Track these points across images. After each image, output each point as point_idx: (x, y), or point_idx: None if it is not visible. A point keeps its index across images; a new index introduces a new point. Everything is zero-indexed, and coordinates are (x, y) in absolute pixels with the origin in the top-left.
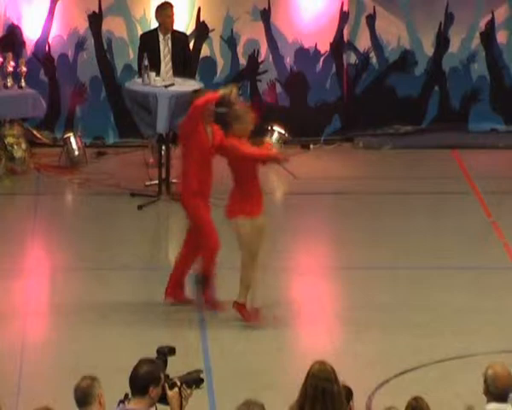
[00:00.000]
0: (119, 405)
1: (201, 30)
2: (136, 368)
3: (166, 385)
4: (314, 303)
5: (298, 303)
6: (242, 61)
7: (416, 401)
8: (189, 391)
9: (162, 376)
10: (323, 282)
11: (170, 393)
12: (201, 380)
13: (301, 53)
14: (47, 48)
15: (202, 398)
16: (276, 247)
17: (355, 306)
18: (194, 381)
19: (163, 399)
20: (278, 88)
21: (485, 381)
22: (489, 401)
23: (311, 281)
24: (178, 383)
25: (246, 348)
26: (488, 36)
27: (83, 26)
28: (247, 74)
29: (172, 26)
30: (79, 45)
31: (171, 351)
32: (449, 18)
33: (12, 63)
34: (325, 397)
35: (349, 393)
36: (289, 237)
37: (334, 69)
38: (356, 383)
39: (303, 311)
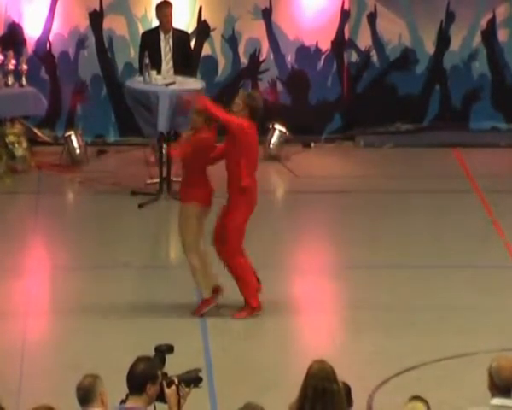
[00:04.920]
0: (120, 404)
1: (203, 29)
2: (133, 366)
3: (164, 383)
4: (315, 302)
5: (299, 302)
6: (244, 59)
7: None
8: (187, 390)
9: (159, 374)
10: (324, 281)
11: (167, 391)
12: (200, 379)
13: (302, 51)
14: (48, 46)
15: (203, 397)
16: (277, 245)
17: (356, 304)
18: (192, 380)
19: (161, 397)
20: (279, 86)
21: (490, 374)
22: (493, 395)
23: (312, 280)
24: (176, 381)
25: (247, 347)
26: (489, 34)
27: (84, 24)
28: (248, 73)
29: (170, 25)
30: (80, 43)
31: (170, 349)
32: (450, 16)
33: (13, 61)
34: (325, 397)
35: (347, 389)
36: (290, 236)
37: (335, 67)
38: (357, 382)
39: (304, 310)
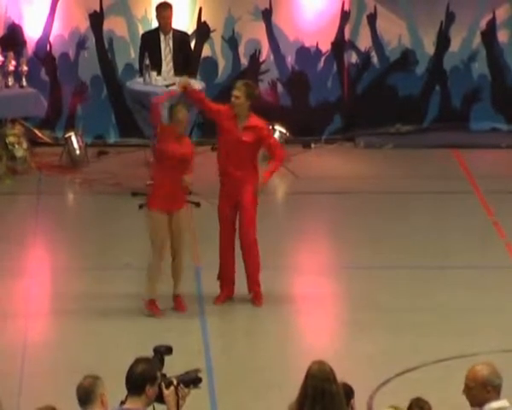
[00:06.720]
0: (120, 405)
1: (203, 30)
2: (132, 367)
3: (163, 384)
4: (315, 302)
5: (299, 302)
6: (244, 61)
7: (419, 402)
8: (186, 390)
9: (158, 375)
10: (325, 281)
11: (166, 392)
12: (199, 379)
13: (302, 52)
14: (48, 47)
15: (203, 398)
16: (277, 246)
17: (356, 305)
18: (191, 380)
19: (160, 398)
20: (279, 88)
21: (481, 383)
22: (487, 401)
23: (313, 280)
24: (175, 382)
25: (247, 347)
26: (489, 35)
27: (84, 25)
28: (248, 74)
29: (169, 26)
30: (80, 44)
31: (168, 350)
32: (450, 17)
33: (13, 62)
34: (325, 397)
35: (350, 391)
36: (290, 237)
37: (335, 68)
38: (357, 383)
39: (304, 310)
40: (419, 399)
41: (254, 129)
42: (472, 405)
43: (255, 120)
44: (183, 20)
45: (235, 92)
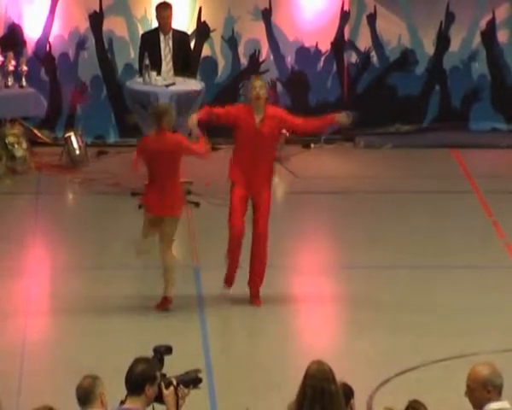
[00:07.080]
0: (120, 405)
1: (202, 30)
2: (131, 367)
3: (162, 384)
4: (315, 302)
5: (299, 302)
6: (243, 60)
7: (415, 404)
8: (186, 390)
9: (158, 375)
10: (324, 281)
11: (165, 392)
12: (199, 379)
13: (302, 52)
14: (48, 47)
15: (203, 398)
16: (277, 246)
17: (356, 305)
18: (191, 380)
19: (159, 398)
20: (279, 87)
21: (482, 384)
22: (487, 401)
23: (312, 280)
24: (174, 382)
25: (247, 347)
26: (489, 35)
27: (84, 25)
28: (248, 74)
29: (169, 26)
30: (80, 45)
31: (168, 350)
32: (449, 17)
33: (13, 62)
34: (324, 397)
35: (349, 391)
36: (290, 236)
37: (334, 68)
38: (357, 383)
39: (304, 310)
40: (416, 401)
41: (273, 118)
42: (474, 407)
43: (272, 109)
44: (183, 20)
45: (260, 83)
